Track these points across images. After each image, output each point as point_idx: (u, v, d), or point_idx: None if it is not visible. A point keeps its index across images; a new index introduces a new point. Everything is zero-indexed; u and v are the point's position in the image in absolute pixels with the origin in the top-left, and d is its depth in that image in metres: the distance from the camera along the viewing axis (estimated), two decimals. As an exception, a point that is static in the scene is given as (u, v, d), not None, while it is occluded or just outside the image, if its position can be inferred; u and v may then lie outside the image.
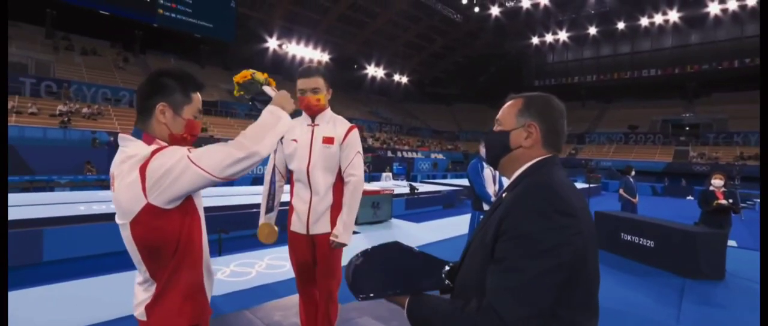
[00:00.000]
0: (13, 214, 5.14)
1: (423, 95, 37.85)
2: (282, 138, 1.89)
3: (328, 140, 2.03)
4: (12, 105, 13.88)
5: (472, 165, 4.04)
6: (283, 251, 4.62)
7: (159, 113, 1.17)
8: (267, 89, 1.51)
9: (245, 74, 1.52)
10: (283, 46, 26.74)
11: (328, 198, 2.05)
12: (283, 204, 2.22)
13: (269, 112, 1.27)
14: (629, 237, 5.27)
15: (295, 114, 1.43)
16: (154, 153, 1.08)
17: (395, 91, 35.87)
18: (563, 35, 32.12)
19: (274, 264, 4.64)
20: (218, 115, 20.55)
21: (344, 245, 2.03)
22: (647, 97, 31.21)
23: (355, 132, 2.09)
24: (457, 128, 36.73)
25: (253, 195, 8.70)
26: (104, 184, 10.81)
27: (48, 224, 4.93)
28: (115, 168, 1.14)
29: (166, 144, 1.17)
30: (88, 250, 5.04)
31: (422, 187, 11.52)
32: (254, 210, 6.50)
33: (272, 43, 26.37)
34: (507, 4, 27.27)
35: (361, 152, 2.09)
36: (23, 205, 6.36)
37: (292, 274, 2.28)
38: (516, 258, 0.76)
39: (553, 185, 0.83)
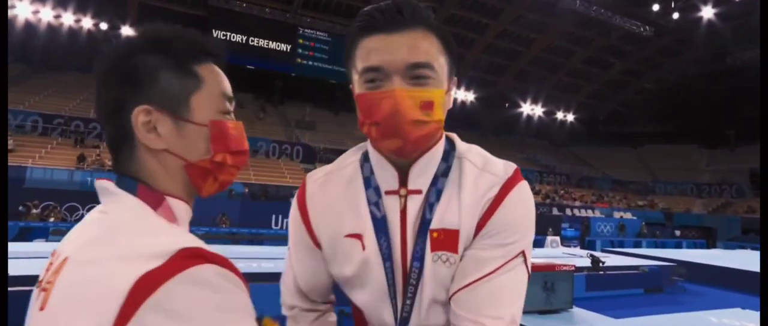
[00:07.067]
0: None
1: (596, 135, 31.44)
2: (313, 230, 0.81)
3: (445, 241, 0.71)
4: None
5: None
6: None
7: (141, 127, 0.53)
8: None
9: None
10: (422, 88, 25.06)
11: None
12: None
13: None
14: None
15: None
16: (171, 266, 0.43)
17: (558, 132, 30.62)
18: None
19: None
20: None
21: None
22: None
23: (524, 192, 0.74)
24: (651, 177, 28.62)
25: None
26: (235, 237, 10.92)
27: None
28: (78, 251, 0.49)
29: (180, 198, 0.57)
30: None
31: (607, 259, 8.97)
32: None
33: (410, 85, 24.90)
34: (731, -2, 19.31)
35: (528, 253, 0.71)
36: None
37: None
38: None
39: None
